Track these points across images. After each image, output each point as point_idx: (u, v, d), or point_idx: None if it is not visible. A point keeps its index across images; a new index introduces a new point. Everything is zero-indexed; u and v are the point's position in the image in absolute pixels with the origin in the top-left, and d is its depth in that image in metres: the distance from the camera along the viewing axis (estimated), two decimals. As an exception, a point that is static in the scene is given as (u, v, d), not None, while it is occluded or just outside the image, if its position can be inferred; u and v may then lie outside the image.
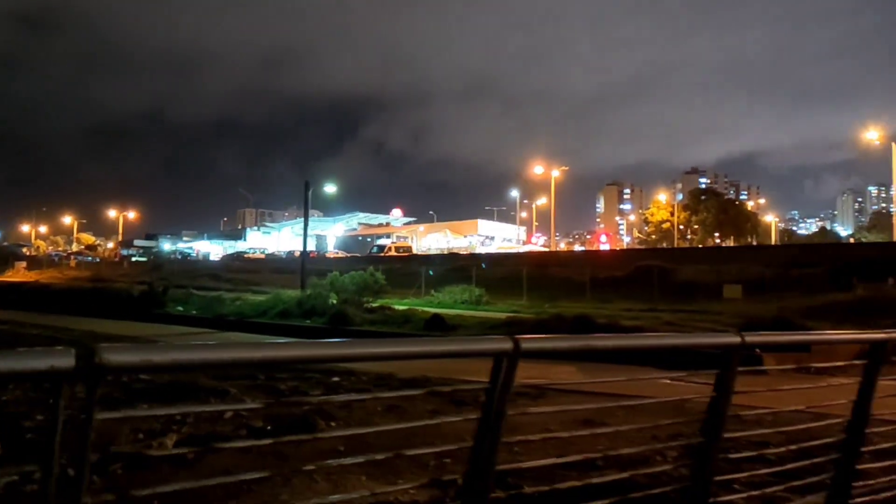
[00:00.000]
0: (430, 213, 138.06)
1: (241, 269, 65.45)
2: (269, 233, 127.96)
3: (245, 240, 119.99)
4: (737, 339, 3.23)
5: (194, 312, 31.71)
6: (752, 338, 3.33)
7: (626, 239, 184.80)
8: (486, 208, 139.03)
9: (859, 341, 4.06)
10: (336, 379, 11.08)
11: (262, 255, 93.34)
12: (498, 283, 42.45)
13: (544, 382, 9.21)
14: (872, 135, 55.03)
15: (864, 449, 4.24)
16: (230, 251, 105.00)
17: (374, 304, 30.08)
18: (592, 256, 68.62)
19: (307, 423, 6.91)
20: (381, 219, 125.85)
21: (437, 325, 23.30)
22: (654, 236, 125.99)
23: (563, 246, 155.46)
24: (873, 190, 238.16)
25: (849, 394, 4.09)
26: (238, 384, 9.99)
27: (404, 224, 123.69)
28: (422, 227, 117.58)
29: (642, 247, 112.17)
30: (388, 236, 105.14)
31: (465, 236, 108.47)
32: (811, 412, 4.33)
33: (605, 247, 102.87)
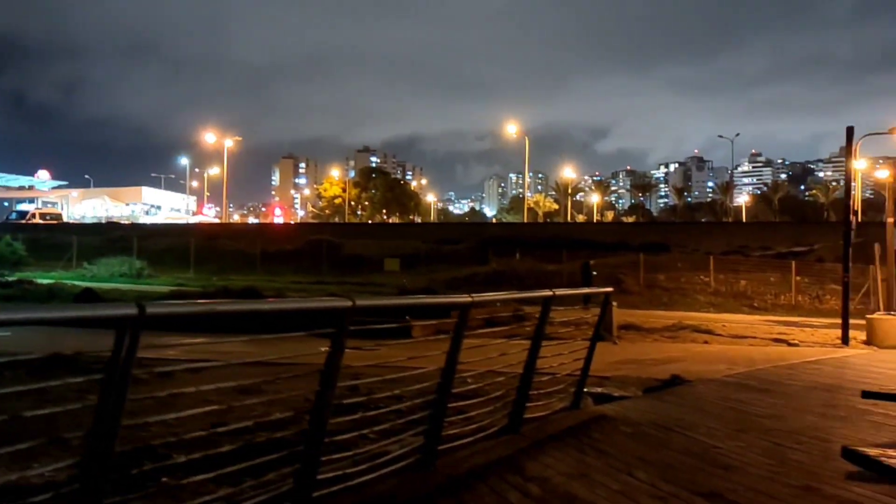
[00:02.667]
0: (87, 177, 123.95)
1: None
2: None
3: None
4: (349, 303, 3.86)
5: None
6: (362, 301, 4.01)
7: (301, 213, 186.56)
8: (153, 175, 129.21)
9: (449, 305, 5.05)
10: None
11: None
12: (163, 256, 40.21)
13: (206, 356, 9.33)
14: (511, 129, 63.51)
15: (454, 391, 5.30)
16: None
17: (12, 279, 26.58)
18: (266, 229, 68.30)
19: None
20: (23, 181, 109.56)
21: (88, 300, 21.49)
22: (327, 211, 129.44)
23: (236, 218, 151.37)
24: (514, 176, 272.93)
25: (470, 354, 5.06)
26: None
27: (53, 188, 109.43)
28: (75, 193, 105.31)
29: (315, 221, 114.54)
30: (31, 201, 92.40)
31: (128, 204, 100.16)
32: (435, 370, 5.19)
33: (279, 220, 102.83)
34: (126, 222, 72.98)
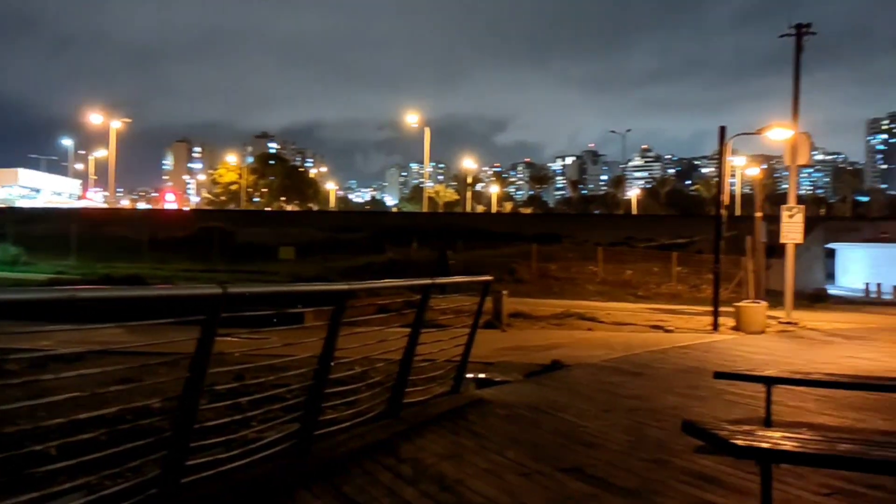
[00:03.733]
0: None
1: None
2: None
3: None
4: (219, 290, 3.87)
5: None
6: (234, 289, 4.02)
7: (196, 199, 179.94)
8: (32, 157, 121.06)
9: (327, 292, 5.13)
10: None
11: None
12: (42, 242, 37.98)
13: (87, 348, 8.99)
14: (412, 119, 63.72)
15: (336, 377, 5.40)
16: None
17: None
18: (157, 216, 65.62)
19: None
20: None
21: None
22: (223, 197, 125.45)
23: (125, 203, 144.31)
24: (414, 166, 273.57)
25: (356, 340, 5.17)
26: None
27: None
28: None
29: (210, 208, 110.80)
30: None
31: (3, 187, 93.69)
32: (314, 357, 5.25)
33: (171, 206, 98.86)
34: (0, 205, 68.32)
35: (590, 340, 14.65)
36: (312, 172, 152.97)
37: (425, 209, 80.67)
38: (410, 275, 27.58)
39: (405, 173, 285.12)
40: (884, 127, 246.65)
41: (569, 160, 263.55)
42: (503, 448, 5.46)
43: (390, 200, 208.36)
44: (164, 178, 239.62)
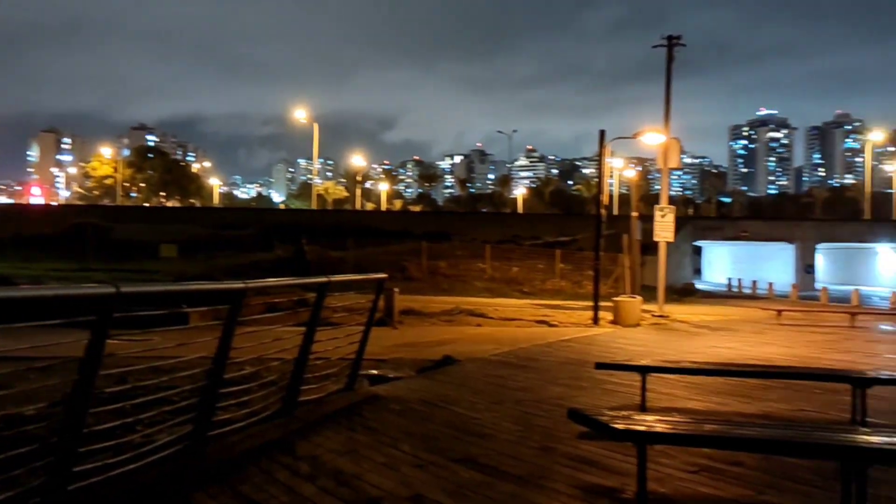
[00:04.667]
0: None
1: None
2: None
3: None
4: (112, 290, 3.78)
5: None
6: (127, 288, 3.93)
7: (66, 193, 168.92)
8: None
9: (223, 291, 5.08)
10: None
11: None
12: None
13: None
14: (300, 114, 62.62)
15: (230, 377, 5.36)
16: None
17: None
18: (22, 211, 61.10)
19: None
20: None
21: None
22: (96, 192, 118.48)
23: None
24: (302, 162, 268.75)
25: (249, 339, 5.11)
26: None
27: None
28: None
29: (82, 203, 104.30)
30: None
31: None
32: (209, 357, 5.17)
33: (37, 200, 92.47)
34: None
35: (479, 336, 15.04)
36: (195, 167, 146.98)
37: (314, 206, 79.53)
38: (300, 273, 27.15)
39: (293, 169, 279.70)
40: (744, 133, 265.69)
41: (457, 159, 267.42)
42: (398, 442, 5.60)
43: (277, 197, 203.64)
44: (29, 170, 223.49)
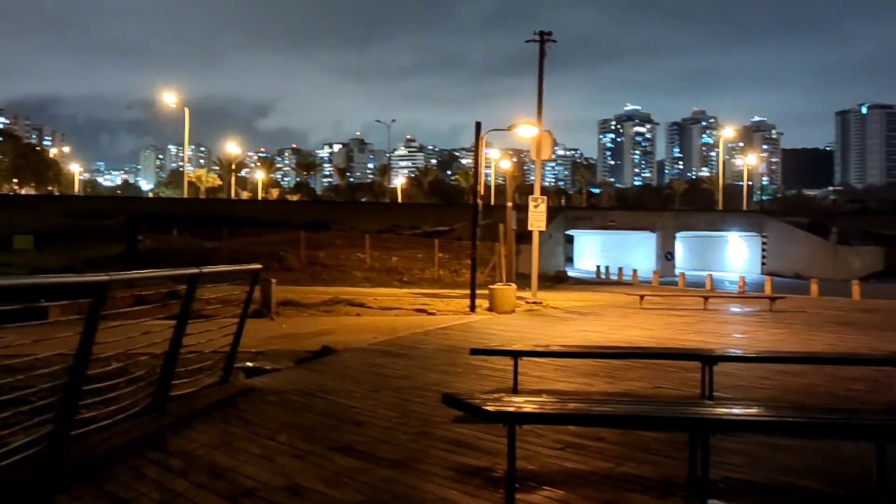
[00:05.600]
0: None
1: None
2: None
3: None
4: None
5: None
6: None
7: None
8: None
9: (83, 284, 4.85)
10: None
11: None
12: None
13: None
14: (170, 98, 59.64)
15: (95, 373, 5.12)
16: None
17: None
18: None
19: None
20: None
21: None
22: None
23: None
24: (173, 148, 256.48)
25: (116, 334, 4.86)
26: None
27: None
28: None
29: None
30: None
31: None
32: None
33: None
34: None
35: (358, 325, 15.06)
36: (52, 152, 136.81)
37: (186, 195, 76.21)
38: (171, 264, 26.03)
39: (162, 156, 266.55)
40: (612, 127, 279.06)
41: (336, 147, 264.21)
42: (275, 433, 5.58)
43: (146, 185, 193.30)
44: None
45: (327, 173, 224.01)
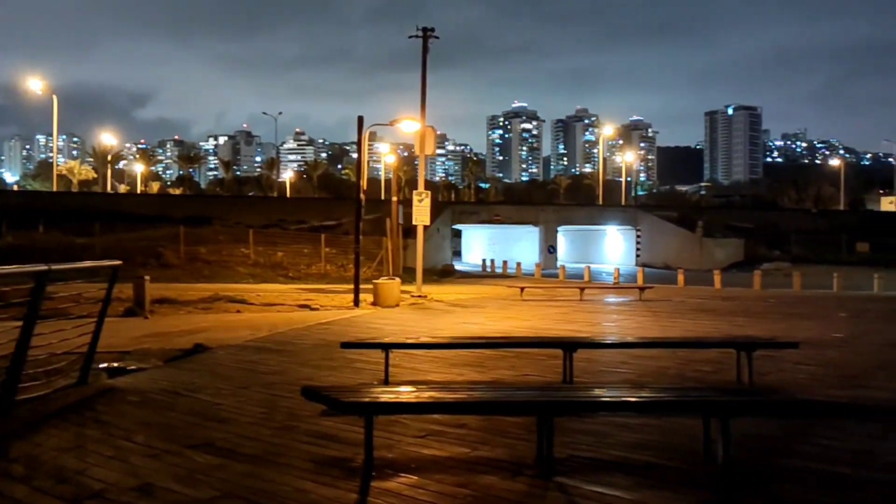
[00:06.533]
0: None
1: None
2: None
3: None
4: None
5: None
6: None
7: None
8: None
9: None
10: None
11: None
12: None
13: None
14: (35, 84, 55.69)
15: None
16: None
17: None
18: None
19: None
20: None
21: None
22: None
23: None
24: (41, 138, 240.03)
25: None
26: None
27: None
28: None
29: None
30: None
31: None
32: None
33: None
34: None
35: (237, 322, 14.73)
36: None
37: (56, 188, 71.52)
38: (36, 261, 24.42)
39: (29, 146, 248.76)
40: (500, 123, 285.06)
41: (221, 140, 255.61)
42: (132, 433, 5.43)
43: (11, 177, 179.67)
44: None
45: (212, 166, 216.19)
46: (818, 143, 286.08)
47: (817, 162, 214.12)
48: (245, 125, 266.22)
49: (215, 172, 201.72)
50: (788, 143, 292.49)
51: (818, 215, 62.36)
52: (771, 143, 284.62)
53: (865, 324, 14.83)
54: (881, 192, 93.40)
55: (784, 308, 18.44)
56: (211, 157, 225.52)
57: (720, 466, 4.60)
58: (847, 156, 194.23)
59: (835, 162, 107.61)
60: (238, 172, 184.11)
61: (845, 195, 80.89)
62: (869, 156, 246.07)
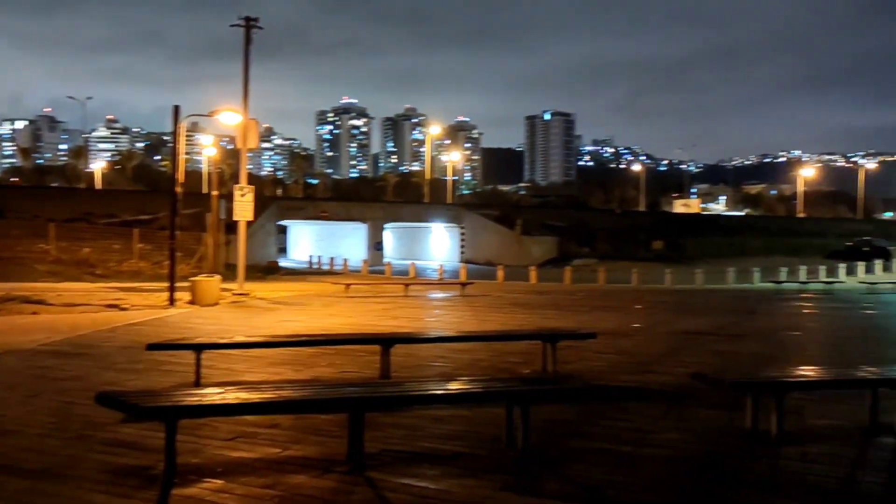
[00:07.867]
0: None
1: None
2: None
3: None
4: None
5: None
6: None
7: None
8: None
9: None
10: None
11: None
12: None
13: None
14: None
15: None
16: None
17: None
18: None
19: None
20: None
21: None
22: None
23: None
24: None
25: None
26: None
27: None
28: None
29: None
30: None
31: None
32: None
33: None
34: None
35: (32, 325, 13.41)
36: None
37: None
38: None
39: None
40: (329, 119, 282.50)
41: (19, 125, 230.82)
42: None
43: None
44: None
45: (8, 153, 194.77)
46: (623, 149, 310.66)
47: (622, 167, 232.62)
48: (47, 109, 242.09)
49: (12, 160, 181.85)
50: (598, 148, 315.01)
51: (622, 216, 67.86)
52: (583, 149, 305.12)
53: (658, 315, 16.40)
54: (674, 195, 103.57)
55: (590, 301, 19.91)
56: (6, 144, 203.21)
57: (521, 451, 4.90)
58: (647, 161, 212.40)
59: (637, 167, 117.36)
60: (40, 161, 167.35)
61: (645, 197, 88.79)
62: (665, 162, 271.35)
